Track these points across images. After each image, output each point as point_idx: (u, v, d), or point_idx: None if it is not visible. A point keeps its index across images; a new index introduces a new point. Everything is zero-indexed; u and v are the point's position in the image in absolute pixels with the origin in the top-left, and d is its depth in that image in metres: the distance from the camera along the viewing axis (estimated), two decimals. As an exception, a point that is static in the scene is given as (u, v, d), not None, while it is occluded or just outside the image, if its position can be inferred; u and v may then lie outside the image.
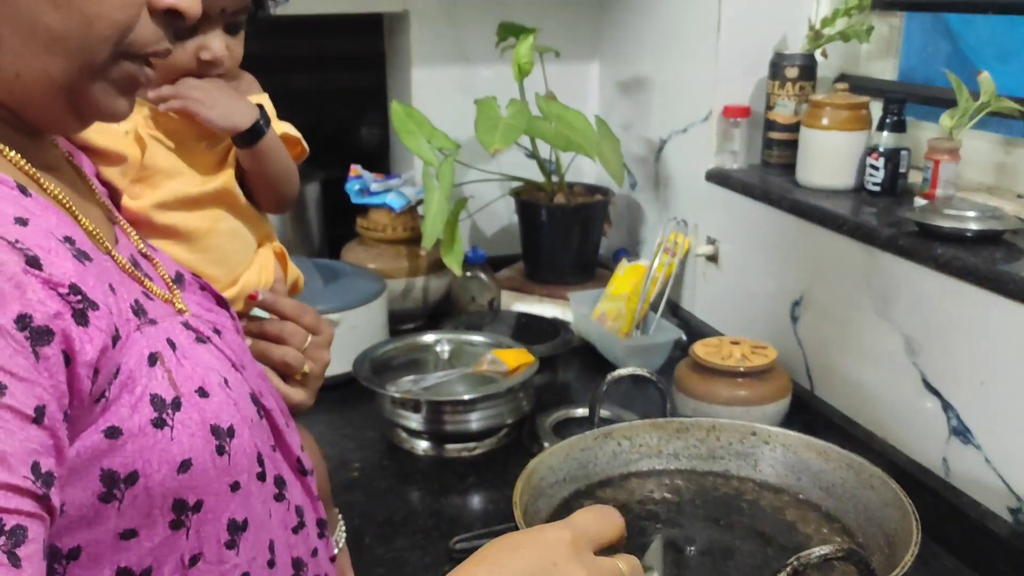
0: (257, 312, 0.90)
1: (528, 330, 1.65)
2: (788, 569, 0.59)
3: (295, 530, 0.69)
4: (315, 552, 0.71)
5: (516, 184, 1.81)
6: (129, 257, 0.64)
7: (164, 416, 0.55)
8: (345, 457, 1.32)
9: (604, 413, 1.27)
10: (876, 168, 1.30)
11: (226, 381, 0.61)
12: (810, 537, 0.82)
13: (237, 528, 0.60)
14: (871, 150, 1.31)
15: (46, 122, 0.58)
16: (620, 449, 0.90)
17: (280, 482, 0.67)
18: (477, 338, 1.47)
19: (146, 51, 0.57)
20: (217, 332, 0.66)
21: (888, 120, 1.29)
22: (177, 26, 0.59)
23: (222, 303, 0.75)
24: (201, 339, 0.62)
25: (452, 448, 1.33)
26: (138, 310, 0.58)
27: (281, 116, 0.96)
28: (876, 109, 1.34)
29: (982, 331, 1.03)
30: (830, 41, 1.42)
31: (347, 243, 1.79)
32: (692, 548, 0.82)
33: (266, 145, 0.86)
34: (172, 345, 0.59)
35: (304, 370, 0.85)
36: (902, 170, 1.30)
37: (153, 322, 0.59)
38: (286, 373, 0.85)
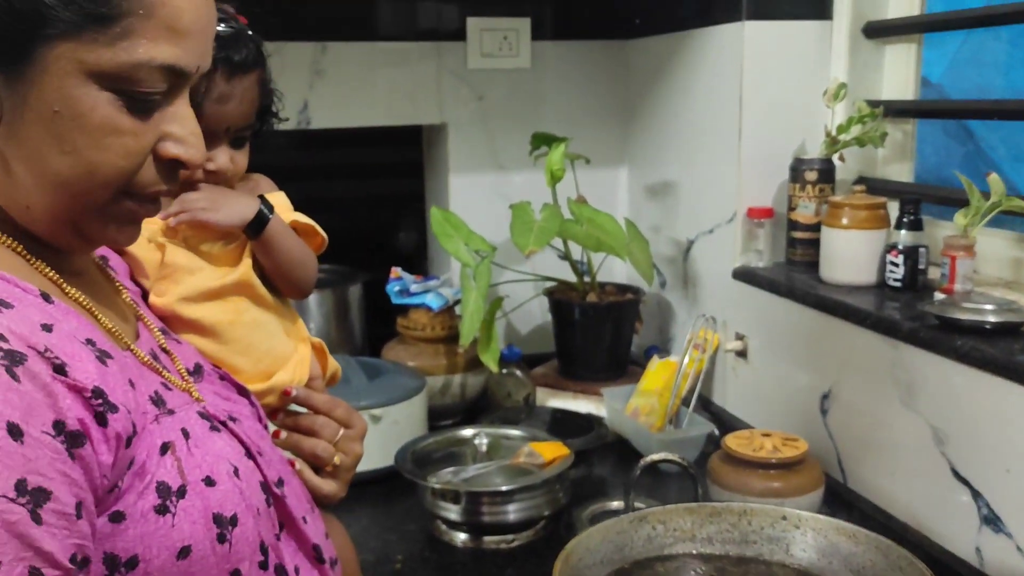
0: (294, 407, 0.95)
1: (563, 425, 1.68)
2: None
3: None
4: None
5: (550, 284, 1.88)
6: (149, 351, 0.69)
7: (168, 503, 0.58)
8: (387, 550, 1.35)
9: (638, 505, 1.30)
10: (896, 265, 1.35)
11: (236, 470, 0.65)
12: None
13: None
14: (890, 248, 1.37)
15: (57, 244, 0.63)
16: (655, 533, 0.93)
17: (282, 571, 0.68)
18: (514, 432, 1.51)
19: (147, 191, 0.62)
20: (233, 419, 0.70)
21: (905, 219, 1.35)
22: (180, 171, 0.63)
23: (243, 392, 0.80)
24: (215, 427, 0.66)
25: (490, 540, 1.36)
26: (158, 400, 0.62)
27: (323, 222, 1.03)
28: (893, 210, 1.40)
29: (1005, 419, 1.07)
30: (846, 147, 1.50)
31: (388, 342, 1.86)
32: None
33: (273, 232, 0.92)
34: (186, 434, 0.63)
35: (335, 462, 0.90)
36: (921, 266, 1.35)
37: (171, 412, 0.63)
38: (317, 464, 0.89)
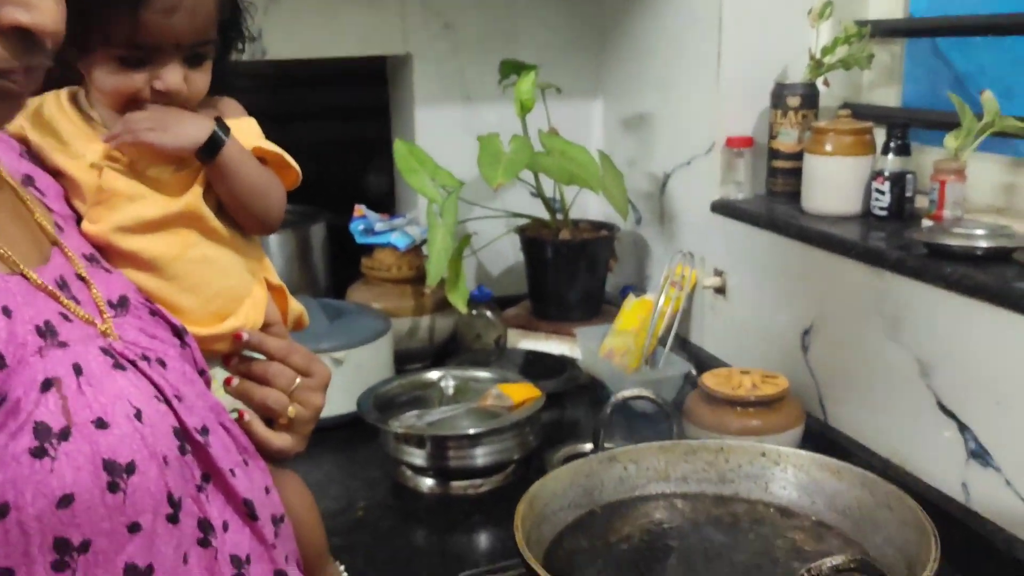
0: (250, 353, 0.86)
1: (535, 367, 1.63)
2: (800, 582, 0.56)
3: None
4: None
5: (521, 221, 1.80)
6: (56, 278, 0.62)
7: (46, 446, 0.51)
8: (350, 497, 1.29)
9: (609, 446, 1.24)
10: (882, 192, 1.29)
11: (139, 413, 0.57)
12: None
13: (138, 574, 0.56)
14: (876, 175, 1.30)
15: None
16: (626, 473, 0.87)
17: (206, 526, 0.62)
18: (482, 374, 1.45)
19: None
20: (147, 359, 0.63)
21: (892, 144, 1.28)
22: (30, 43, 0.54)
23: (177, 332, 0.71)
24: (120, 365, 0.59)
25: (458, 485, 1.30)
26: (47, 331, 0.55)
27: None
28: (880, 136, 1.33)
29: (996, 350, 1.01)
30: (831, 70, 1.42)
31: (352, 284, 1.78)
32: (704, 573, 0.79)
33: (230, 158, 0.82)
34: (78, 370, 0.56)
35: (289, 414, 0.81)
36: (908, 194, 1.28)
37: (63, 344, 0.56)
38: (269, 416, 0.81)
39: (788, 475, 0.86)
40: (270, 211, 0.88)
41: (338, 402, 1.47)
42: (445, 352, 1.76)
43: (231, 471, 0.66)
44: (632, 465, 0.88)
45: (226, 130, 0.83)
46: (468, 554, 1.15)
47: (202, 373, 0.73)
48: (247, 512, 0.66)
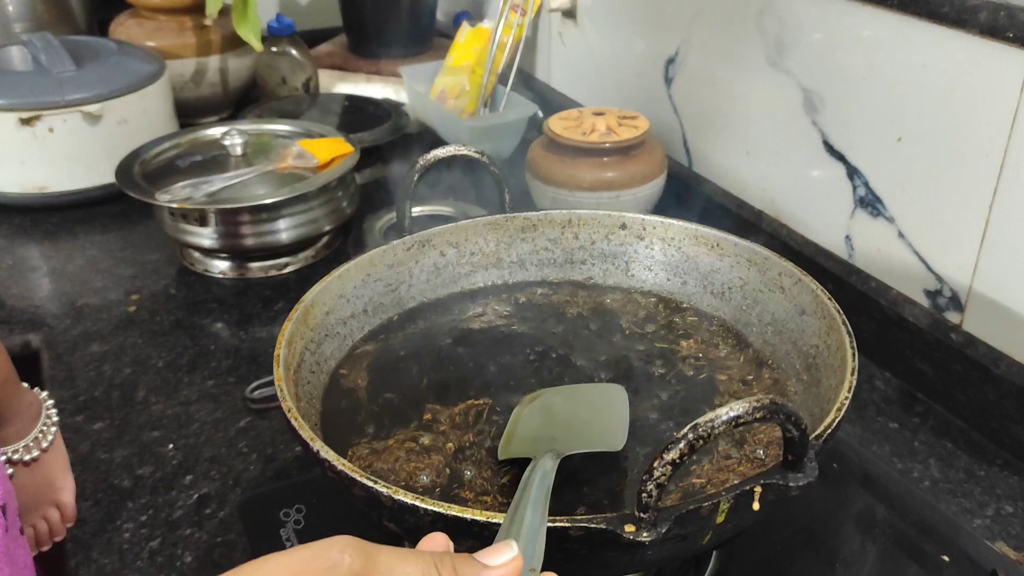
0: None
1: (354, 116, 1.36)
2: (683, 444, 0.37)
3: None
4: None
5: (327, -68, 1.45)
6: None
7: None
8: (120, 288, 1.04)
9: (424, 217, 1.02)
10: None
11: None
12: (702, 362, 0.61)
13: None
14: None
15: None
16: (444, 261, 0.65)
17: None
18: (281, 127, 1.17)
19: None
20: None
21: None
22: None
23: None
24: None
25: (258, 267, 1.07)
26: None
27: None
28: None
29: (902, 72, 0.81)
30: None
31: (117, 16, 1.41)
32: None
33: None
34: None
35: None
36: None
37: None
38: None
39: (655, 252, 0.67)
40: None
41: (100, 168, 1.18)
42: (247, 101, 1.46)
43: None
44: (452, 250, 0.65)
45: None
46: (266, 354, 0.93)
47: None
48: None
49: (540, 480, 0.42)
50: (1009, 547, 0.66)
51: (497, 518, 0.42)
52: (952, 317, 0.82)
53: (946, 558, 0.60)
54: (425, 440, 0.55)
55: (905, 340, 0.84)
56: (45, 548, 0.71)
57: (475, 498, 0.51)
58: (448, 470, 0.53)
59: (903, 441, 0.80)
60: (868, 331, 0.88)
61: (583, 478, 0.52)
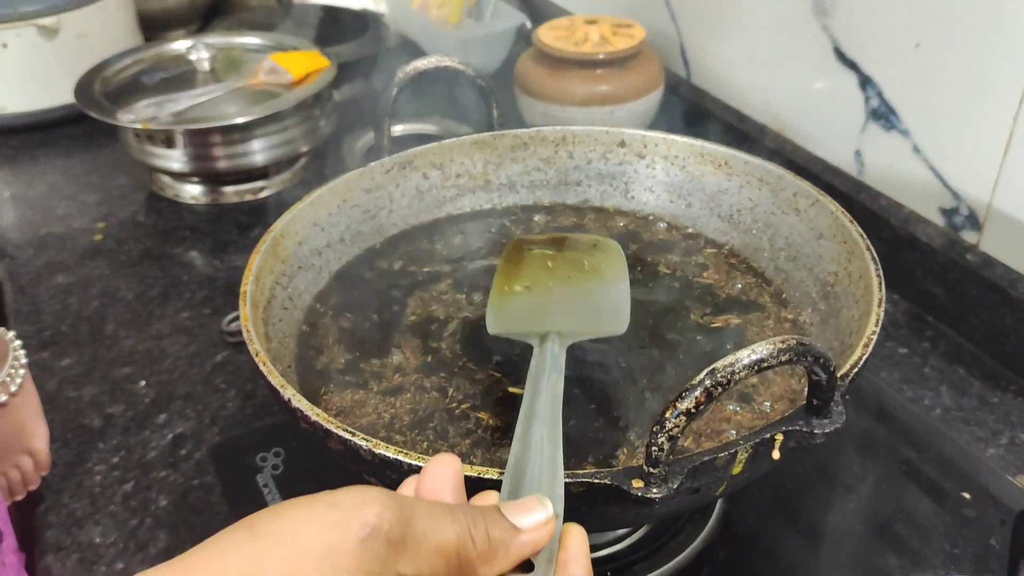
0: None
1: (331, 28, 1.28)
2: (699, 391, 0.33)
3: None
4: None
5: None
6: None
7: None
8: (86, 215, 0.98)
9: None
10: None
11: None
12: (711, 295, 0.56)
13: None
14: None
15: None
16: (427, 184, 0.60)
17: None
18: (251, 40, 1.10)
19: None
20: None
21: None
22: None
23: None
24: None
25: (232, 191, 1.01)
26: None
27: None
28: None
29: (924, -27, 0.75)
30: None
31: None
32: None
33: None
34: None
35: None
36: None
37: None
38: None
39: (657, 172, 0.61)
40: None
41: (59, 87, 1.11)
42: (215, 13, 1.38)
43: None
44: (436, 172, 0.60)
45: None
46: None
47: None
48: None
49: (549, 384, 0.38)
50: (1027, 479, 0.63)
51: (489, 474, 0.37)
52: (968, 237, 0.77)
53: (966, 495, 0.56)
54: (408, 377, 0.51)
55: (916, 261, 0.80)
56: (19, 498, 0.67)
57: (465, 432, 0.47)
58: (432, 410, 0.49)
59: (913, 367, 0.76)
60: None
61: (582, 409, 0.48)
